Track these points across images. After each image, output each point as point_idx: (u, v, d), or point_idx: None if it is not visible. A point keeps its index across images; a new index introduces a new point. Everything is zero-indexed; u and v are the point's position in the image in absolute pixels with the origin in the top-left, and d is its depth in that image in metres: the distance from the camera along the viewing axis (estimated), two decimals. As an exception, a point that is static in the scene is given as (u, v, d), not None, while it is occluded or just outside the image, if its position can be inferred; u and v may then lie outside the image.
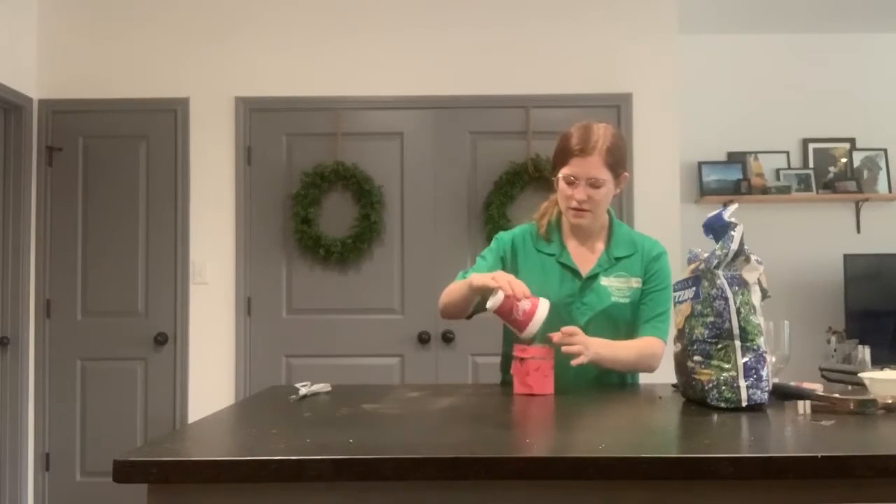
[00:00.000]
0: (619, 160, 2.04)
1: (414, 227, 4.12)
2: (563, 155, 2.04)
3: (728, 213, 1.62)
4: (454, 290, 2.05)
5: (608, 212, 2.16)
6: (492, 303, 1.86)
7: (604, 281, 2.07)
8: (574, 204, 2.03)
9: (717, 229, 1.65)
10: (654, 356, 2.05)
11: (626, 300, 2.07)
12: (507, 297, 1.85)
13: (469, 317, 2.11)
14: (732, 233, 1.60)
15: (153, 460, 1.11)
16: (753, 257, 1.62)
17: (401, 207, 4.13)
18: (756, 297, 1.60)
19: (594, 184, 2.01)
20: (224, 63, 4.15)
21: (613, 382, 2.11)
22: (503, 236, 2.17)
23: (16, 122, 4.04)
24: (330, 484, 1.12)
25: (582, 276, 2.08)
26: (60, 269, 4.10)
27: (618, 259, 2.10)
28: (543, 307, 1.88)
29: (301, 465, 1.10)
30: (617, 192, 2.08)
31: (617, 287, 2.07)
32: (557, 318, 2.03)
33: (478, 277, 1.93)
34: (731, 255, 1.59)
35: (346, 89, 4.14)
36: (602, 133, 2.02)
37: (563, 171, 2.03)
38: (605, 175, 2.01)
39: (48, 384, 4.07)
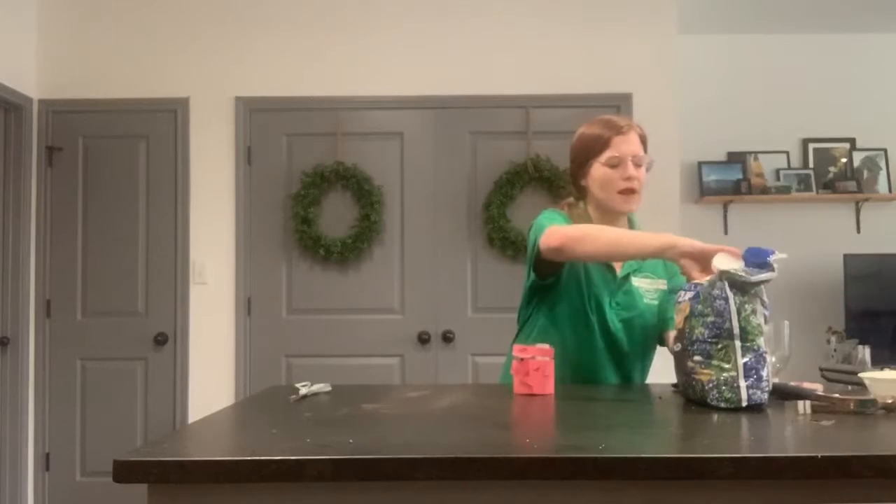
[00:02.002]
0: (646, 144, 2.05)
1: (414, 227, 4.12)
2: (600, 143, 2.00)
3: (775, 257, 1.59)
4: (622, 237, 1.83)
5: (630, 217, 2.13)
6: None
7: (635, 281, 2.04)
8: (624, 185, 1.98)
9: (755, 261, 1.61)
10: None
11: (655, 302, 2.05)
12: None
13: (544, 277, 1.97)
14: (764, 272, 1.57)
15: (153, 460, 1.11)
16: (765, 311, 1.60)
17: (401, 207, 4.13)
18: (758, 304, 1.60)
19: (637, 162, 2.00)
20: (224, 63, 4.15)
21: (614, 383, 2.11)
22: (563, 216, 2.06)
23: (16, 122, 4.04)
24: (330, 484, 1.12)
25: (616, 274, 2.04)
26: (60, 269, 4.10)
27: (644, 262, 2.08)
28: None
29: (301, 465, 1.10)
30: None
31: (646, 289, 2.04)
32: (588, 318, 2.00)
33: (689, 246, 1.67)
34: (742, 279, 1.56)
35: (346, 89, 4.14)
36: (625, 117, 2.03)
37: (606, 155, 1.99)
38: (643, 153, 2.01)
39: (48, 384, 4.07)
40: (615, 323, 2.02)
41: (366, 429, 1.37)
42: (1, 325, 3.96)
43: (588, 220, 2.06)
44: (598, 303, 2.01)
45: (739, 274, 1.57)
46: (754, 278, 1.57)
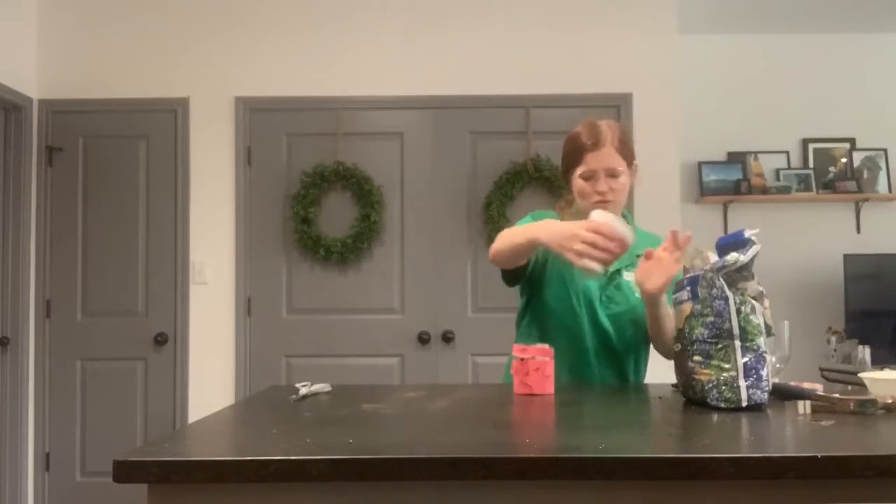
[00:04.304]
0: (629, 149, 2.05)
1: (414, 227, 4.12)
2: (576, 153, 2.04)
3: (749, 232, 1.61)
4: (509, 236, 1.93)
5: (624, 213, 2.15)
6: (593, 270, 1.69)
7: (626, 276, 2.06)
8: (596, 198, 2.02)
9: (731, 246, 1.63)
10: None
11: None
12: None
13: (513, 284, 2.07)
14: (751, 247, 1.59)
15: (153, 460, 1.11)
16: (760, 287, 1.61)
17: (401, 207, 4.13)
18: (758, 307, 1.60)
19: (612, 174, 2.02)
20: (224, 63, 4.15)
21: (613, 383, 2.11)
22: (543, 215, 2.10)
23: (16, 122, 4.04)
24: (330, 484, 1.12)
25: (607, 269, 2.06)
26: (60, 269, 4.10)
27: (637, 256, 2.08)
28: (599, 216, 1.73)
29: (301, 465, 1.10)
30: (632, 182, 2.08)
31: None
32: (586, 311, 2.01)
33: (550, 235, 1.76)
34: (738, 264, 1.58)
35: (346, 89, 4.14)
36: (608, 125, 2.05)
37: (580, 169, 2.02)
38: (620, 164, 2.02)
39: (48, 384, 4.07)
40: (604, 318, 2.03)
41: (366, 429, 1.37)
42: (1, 325, 3.96)
43: (581, 219, 2.09)
44: (588, 298, 2.03)
45: (727, 260, 1.58)
46: (746, 257, 1.57)
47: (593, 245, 1.68)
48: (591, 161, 2.02)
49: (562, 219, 2.07)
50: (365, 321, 4.09)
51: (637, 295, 2.04)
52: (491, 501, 1.13)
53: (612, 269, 2.04)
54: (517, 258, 1.97)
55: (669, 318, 1.96)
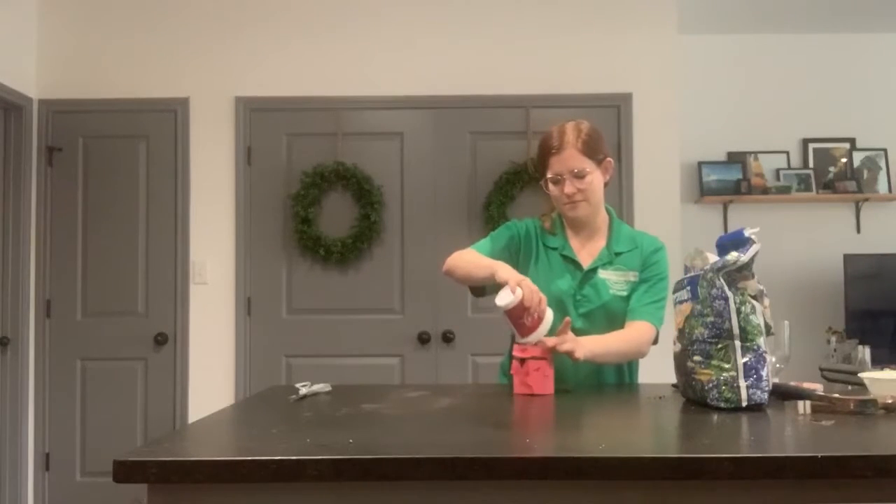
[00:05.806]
0: (594, 148, 2.08)
1: (414, 228, 4.12)
2: (543, 158, 2.11)
3: (749, 231, 1.62)
4: (470, 262, 2.04)
5: (609, 211, 2.18)
6: (506, 303, 1.84)
7: (602, 274, 2.10)
8: (565, 200, 2.08)
9: (731, 245, 1.64)
10: (646, 342, 2.06)
11: (624, 293, 2.09)
12: (520, 303, 1.83)
13: (479, 295, 2.16)
14: (750, 246, 1.59)
15: (153, 460, 1.11)
16: (760, 286, 1.61)
17: (401, 207, 4.13)
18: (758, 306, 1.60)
19: (578, 174, 2.06)
20: (224, 63, 4.15)
21: (613, 382, 2.12)
22: (517, 224, 2.20)
23: (16, 122, 4.04)
24: (330, 484, 1.12)
25: (582, 268, 2.11)
26: (60, 269, 4.10)
27: (618, 254, 2.12)
28: (549, 318, 1.88)
29: (301, 465, 1.10)
30: (607, 180, 2.12)
31: (615, 280, 2.10)
32: (557, 311, 2.03)
33: (505, 273, 1.89)
34: (738, 264, 1.58)
35: (346, 89, 4.14)
36: (572, 127, 2.09)
37: (548, 174, 2.09)
38: (585, 164, 2.06)
39: (48, 384, 4.07)
40: (577, 318, 2.06)
41: (366, 429, 1.37)
42: (1, 325, 3.96)
43: (561, 226, 2.17)
44: (560, 300, 2.06)
45: (727, 260, 1.58)
46: (746, 256, 1.58)
47: (531, 296, 1.83)
48: (556, 164, 2.07)
49: (543, 225, 2.17)
50: (365, 321, 4.09)
51: (612, 291, 2.07)
52: (491, 501, 1.13)
53: (588, 267, 2.11)
54: (469, 283, 2.07)
55: (615, 354, 2.04)
